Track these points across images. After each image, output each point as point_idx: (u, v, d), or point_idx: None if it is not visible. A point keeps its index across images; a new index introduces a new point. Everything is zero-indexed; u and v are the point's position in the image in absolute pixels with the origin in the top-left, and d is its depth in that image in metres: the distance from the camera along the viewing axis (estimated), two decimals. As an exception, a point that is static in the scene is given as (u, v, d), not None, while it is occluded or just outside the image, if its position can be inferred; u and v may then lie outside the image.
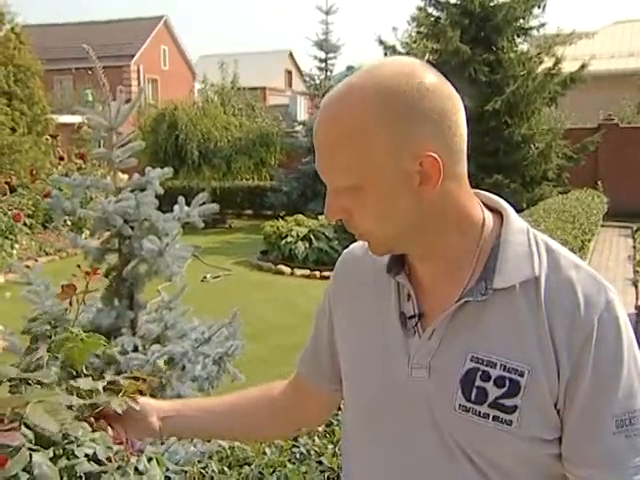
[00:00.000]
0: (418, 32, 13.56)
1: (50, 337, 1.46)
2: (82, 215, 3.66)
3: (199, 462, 1.97)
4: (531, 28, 12.40)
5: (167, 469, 1.22)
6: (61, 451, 1.15)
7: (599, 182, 13.51)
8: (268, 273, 9.68)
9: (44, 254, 10.39)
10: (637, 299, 7.30)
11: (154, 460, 1.21)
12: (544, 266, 0.93)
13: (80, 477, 1.12)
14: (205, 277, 8.70)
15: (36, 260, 9.32)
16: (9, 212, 10.01)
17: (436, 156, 0.89)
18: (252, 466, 1.92)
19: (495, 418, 0.90)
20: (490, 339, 0.92)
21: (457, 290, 0.95)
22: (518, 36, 12.46)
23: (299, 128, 16.07)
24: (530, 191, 11.65)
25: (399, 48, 13.55)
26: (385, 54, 13.29)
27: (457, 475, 0.94)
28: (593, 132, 13.62)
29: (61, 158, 13.72)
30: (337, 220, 1.00)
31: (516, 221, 0.99)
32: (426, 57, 13.21)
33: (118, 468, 1.14)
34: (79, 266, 3.51)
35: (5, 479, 1.00)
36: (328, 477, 1.89)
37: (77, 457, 1.15)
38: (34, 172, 12.48)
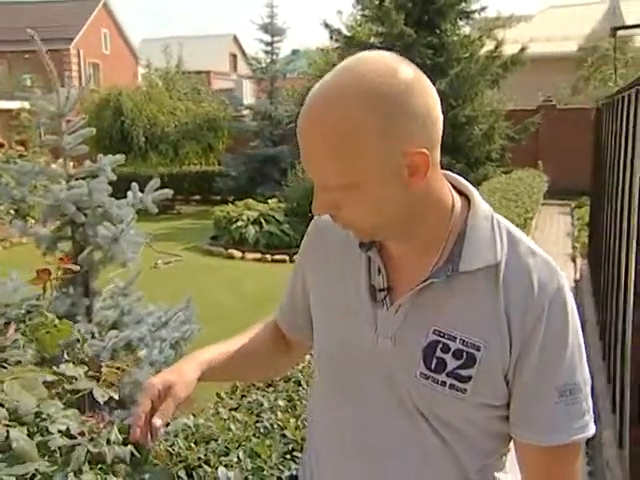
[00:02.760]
0: (363, 15, 13.63)
1: (24, 321, 1.50)
2: (32, 203, 3.62)
3: (166, 440, 2.03)
4: (473, 11, 12.59)
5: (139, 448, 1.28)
6: (35, 428, 1.21)
7: (539, 162, 13.91)
8: (219, 258, 9.68)
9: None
10: (575, 273, 7.61)
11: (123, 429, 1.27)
12: (504, 252, 1.02)
13: (54, 451, 1.18)
14: (156, 263, 8.65)
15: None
16: (-51, 202, 9.69)
17: (425, 151, 0.95)
18: (218, 441, 1.99)
19: (451, 386, 1.01)
20: (452, 316, 1.02)
21: (425, 269, 1.03)
22: (460, 19, 12.65)
23: (246, 112, 16.00)
24: (475, 171, 11.92)
25: (344, 31, 13.59)
26: (330, 37, 13.32)
27: (414, 433, 1.06)
28: (533, 113, 13.99)
29: (1, 145, 13.34)
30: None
31: (481, 206, 1.07)
32: (371, 40, 13.31)
33: (91, 440, 1.20)
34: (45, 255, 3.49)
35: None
36: (292, 448, 1.97)
37: (51, 433, 1.20)
38: (-28, 160, 12.10)
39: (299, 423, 2.09)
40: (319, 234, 1.22)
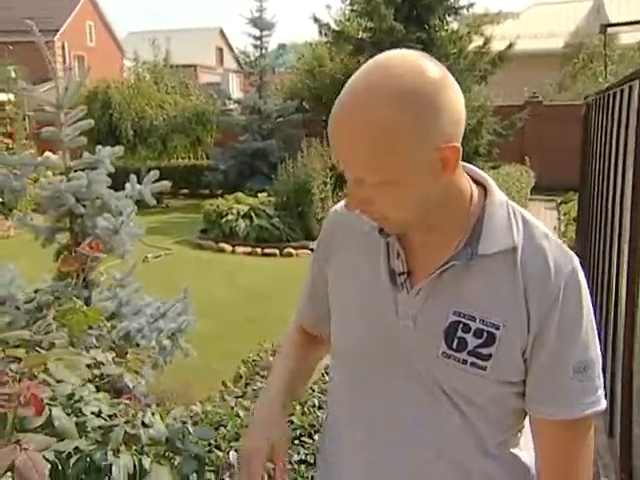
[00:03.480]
0: (352, 10, 13.66)
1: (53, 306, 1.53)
2: (32, 194, 3.63)
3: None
4: (461, 7, 12.67)
5: (167, 425, 1.32)
6: (69, 410, 1.25)
7: (526, 157, 14.04)
8: (209, 251, 9.69)
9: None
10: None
11: (157, 415, 1.32)
12: (521, 236, 1.08)
13: (90, 431, 1.22)
14: (146, 257, 8.64)
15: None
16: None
17: (457, 144, 1.01)
18: (227, 427, 2.04)
19: (472, 364, 1.06)
20: (472, 297, 1.07)
21: (445, 254, 1.08)
22: (449, 15, 12.73)
23: (234, 106, 15.96)
24: (463, 167, 12.00)
25: (333, 26, 13.61)
26: (320, 32, 13.35)
27: (437, 410, 1.11)
28: (520, 109, 14.10)
29: (-13, 137, 13.25)
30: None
31: (497, 194, 1.12)
32: (360, 35, 13.35)
33: (127, 422, 1.24)
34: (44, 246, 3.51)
35: (30, 430, 1.08)
36: (300, 434, 2.02)
37: (84, 415, 1.25)
38: (-41, 152, 11.99)
39: (305, 409, 2.15)
40: (337, 225, 1.26)
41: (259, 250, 9.43)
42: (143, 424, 1.24)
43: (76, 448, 1.13)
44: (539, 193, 13.01)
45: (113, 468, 1.11)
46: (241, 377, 2.44)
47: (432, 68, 1.00)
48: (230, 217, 10.03)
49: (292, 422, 2.08)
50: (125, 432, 1.18)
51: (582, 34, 18.87)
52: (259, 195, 10.87)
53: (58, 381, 1.20)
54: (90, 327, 2.05)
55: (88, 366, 1.29)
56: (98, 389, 1.32)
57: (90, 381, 1.29)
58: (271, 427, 1.20)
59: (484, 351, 1.06)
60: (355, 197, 1.04)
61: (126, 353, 1.43)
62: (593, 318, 1.10)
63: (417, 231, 1.11)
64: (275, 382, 1.30)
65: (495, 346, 1.05)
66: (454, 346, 1.07)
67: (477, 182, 1.14)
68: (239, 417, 2.08)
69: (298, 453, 1.92)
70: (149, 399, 3.22)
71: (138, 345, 3.82)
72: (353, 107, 0.98)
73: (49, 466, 1.05)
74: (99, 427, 1.19)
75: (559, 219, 11.29)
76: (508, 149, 13.36)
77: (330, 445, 1.27)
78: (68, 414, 1.24)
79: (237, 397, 2.24)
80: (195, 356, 3.85)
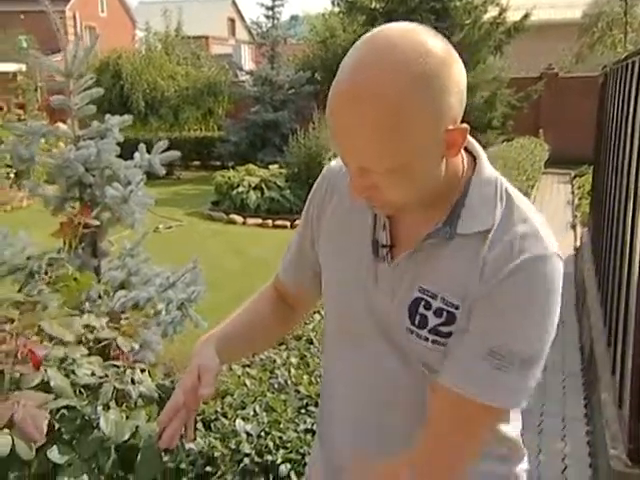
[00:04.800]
0: (365, -21, 13.46)
1: (46, 273, 1.52)
2: (39, 162, 3.62)
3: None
4: (477, -24, 12.46)
5: (158, 385, 1.32)
6: (62, 371, 1.25)
7: (540, 130, 13.88)
8: (220, 223, 9.69)
9: (-13, 208, 10.13)
10: (575, 240, 7.65)
11: (146, 372, 1.32)
12: (498, 218, 1.04)
13: (82, 390, 1.22)
14: (157, 228, 8.67)
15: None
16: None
17: (465, 125, 0.97)
18: (234, 396, 2.04)
19: (434, 341, 1.05)
20: (437, 275, 1.06)
21: (426, 229, 1.06)
22: (464, -16, 12.52)
23: (246, 77, 15.85)
24: (476, 139, 11.85)
25: (346, -4, 13.43)
26: (332, 2, 13.19)
27: (414, 378, 1.10)
28: (535, 81, 13.91)
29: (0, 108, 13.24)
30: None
31: (486, 169, 1.08)
32: (373, 5, 13.16)
33: (117, 379, 1.24)
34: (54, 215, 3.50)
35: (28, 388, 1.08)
36: (307, 403, 2.02)
37: (77, 376, 1.24)
38: (-29, 123, 12.01)
39: (312, 379, 2.14)
40: (329, 185, 1.24)
41: (270, 222, 9.41)
42: (132, 381, 1.24)
43: (69, 406, 1.13)
44: (553, 166, 12.87)
45: (101, 422, 1.11)
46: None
47: (438, 45, 0.94)
48: (241, 189, 10.01)
49: (299, 391, 2.07)
50: (115, 388, 1.18)
51: (601, 3, 18.49)
52: (270, 167, 10.83)
53: (51, 339, 1.20)
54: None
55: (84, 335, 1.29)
56: (91, 353, 1.31)
57: (83, 344, 1.28)
58: (196, 357, 1.19)
59: (444, 329, 1.04)
60: (360, 185, 1.00)
61: (120, 319, 1.43)
62: (549, 320, 1.02)
63: (408, 208, 1.09)
64: (218, 327, 1.29)
65: (455, 325, 1.04)
66: (416, 322, 1.06)
67: (468, 151, 1.10)
68: (245, 386, 2.08)
69: (304, 422, 1.92)
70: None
71: (148, 316, 3.84)
72: (357, 92, 0.92)
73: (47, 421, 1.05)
74: (89, 385, 1.19)
75: (573, 193, 11.18)
76: (522, 122, 13.21)
77: (325, 402, 1.29)
78: (62, 375, 1.23)
79: (244, 366, 2.24)
80: (205, 326, 3.86)
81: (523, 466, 1.22)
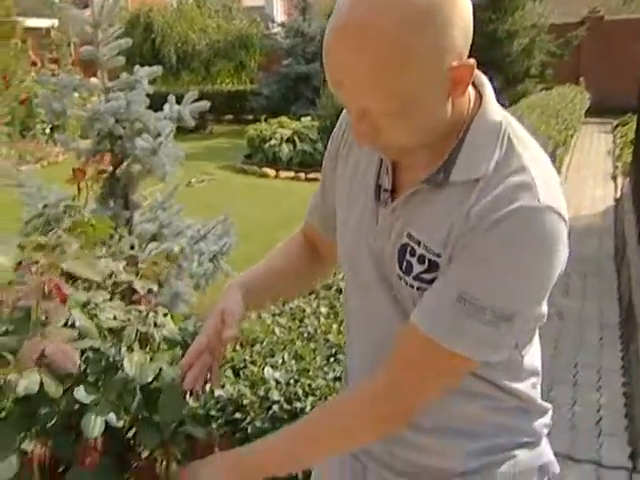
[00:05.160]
0: None
1: (62, 220, 1.52)
2: (71, 115, 3.62)
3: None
4: None
5: (181, 328, 1.31)
6: (86, 315, 1.24)
7: (581, 78, 13.44)
8: (253, 176, 9.69)
9: (25, 163, 10.27)
10: (616, 192, 7.46)
11: (169, 316, 1.31)
12: (492, 165, 0.97)
13: (108, 330, 1.22)
14: (190, 182, 8.70)
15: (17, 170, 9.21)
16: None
17: (471, 61, 0.91)
18: (263, 344, 2.03)
19: (419, 288, 1.02)
20: (424, 222, 1.02)
21: (426, 174, 1.02)
22: None
23: (278, 30, 15.62)
24: (513, 88, 11.58)
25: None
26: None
27: (403, 321, 1.06)
28: (577, 26, 13.41)
29: (34, 64, 13.29)
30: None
31: (491, 112, 1.01)
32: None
33: (139, 322, 1.23)
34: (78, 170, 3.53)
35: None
36: (336, 352, 2.01)
37: (100, 320, 1.24)
38: (6, 78, 12.11)
39: (342, 328, 2.12)
40: (345, 131, 1.21)
41: (302, 175, 9.36)
42: (155, 324, 1.23)
43: (94, 348, 1.13)
44: (594, 115, 12.50)
45: (125, 363, 1.10)
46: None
47: None
48: (273, 142, 9.96)
49: (328, 340, 2.06)
50: (137, 331, 1.18)
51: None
52: (302, 119, 10.73)
53: (74, 282, 1.20)
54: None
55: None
56: (112, 298, 1.31)
57: (104, 289, 1.28)
58: (222, 302, 1.20)
59: (427, 277, 1.01)
60: (361, 130, 0.96)
61: (137, 263, 1.42)
62: (532, 281, 0.96)
63: (411, 152, 1.04)
64: (245, 273, 1.29)
65: (438, 273, 1.00)
66: (403, 268, 1.04)
67: (475, 86, 1.03)
68: (275, 334, 2.07)
69: (333, 370, 1.91)
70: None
71: (181, 267, 3.87)
72: (356, 25, 0.86)
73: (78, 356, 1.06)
74: (112, 329, 1.19)
75: (614, 142, 10.86)
76: (562, 69, 12.80)
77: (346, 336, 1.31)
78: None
79: (273, 315, 2.23)
80: (236, 278, 3.87)
81: (544, 421, 1.18)
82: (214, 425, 1.77)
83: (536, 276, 0.95)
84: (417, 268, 1.02)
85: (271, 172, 9.67)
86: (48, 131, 11.09)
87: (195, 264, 3.92)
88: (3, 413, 1.14)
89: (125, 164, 3.57)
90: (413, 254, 1.02)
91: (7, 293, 1.02)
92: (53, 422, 1.14)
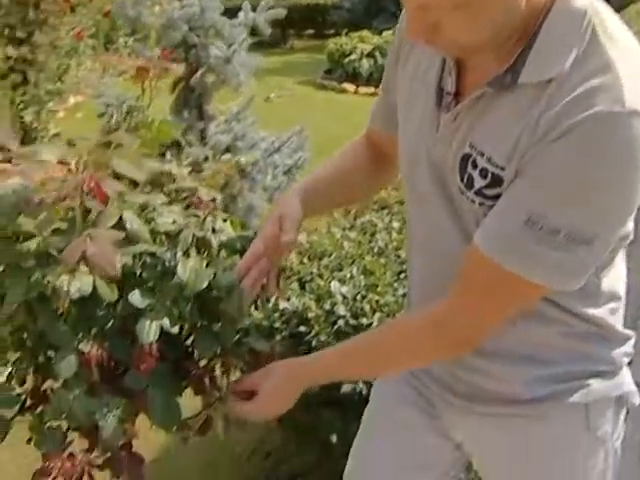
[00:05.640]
0: None
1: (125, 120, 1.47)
2: (146, 22, 3.56)
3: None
4: None
5: (240, 235, 1.25)
6: (143, 219, 1.20)
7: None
8: (332, 92, 9.49)
9: (108, 76, 10.40)
10: None
11: (228, 222, 1.25)
12: (569, 64, 0.82)
13: (165, 234, 1.17)
14: (269, 97, 8.60)
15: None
16: (71, 32, 9.89)
17: None
18: (331, 258, 1.97)
19: (481, 204, 0.92)
20: (488, 131, 0.90)
21: (491, 76, 0.89)
22: None
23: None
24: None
25: None
26: None
27: (464, 239, 0.98)
28: None
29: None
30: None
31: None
32: None
33: (196, 227, 1.18)
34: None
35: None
36: (406, 268, 1.93)
37: (158, 223, 1.19)
38: (90, -10, 12.14)
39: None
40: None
41: (382, 91, 9.10)
42: (213, 230, 1.17)
43: (150, 253, 1.08)
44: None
45: (179, 268, 1.06)
46: (350, 210, 2.35)
47: None
48: (353, 57, 9.67)
49: (399, 256, 1.99)
50: (194, 236, 1.12)
51: None
52: (384, 34, 10.32)
53: (135, 184, 1.15)
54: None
55: (162, 179, 1.23)
56: (172, 203, 1.26)
57: (165, 194, 1.22)
58: (279, 207, 1.15)
59: (489, 192, 0.90)
60: (418, 24, 0.85)
61: (202, 170, 1.35)
62: (614, 199, 0.83)
63: (478, 51, 0.90)
64: (306, 179, 1.24)
65: (502, 188, 0.89)
66: (464, 181, 0.94)
67: None
68: (344, 248, 2.01)
69: (403, 287, 1.84)
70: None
71: (255, 180, 3.84)
72: None
73: (122, 261, 1.02)
74: (169, 233, 1.13)
75: None
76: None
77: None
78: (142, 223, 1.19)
79: (343, 229, 2.16)
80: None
81: (624, 349, 1.07)
82: (278, 337, 1.75)
83: (618, 191, 0.83)
84: (479, 182, 0.91)
85: (350, 88, 9.44)
86: (130, 42, 11.15)
87: (269, 177, 3.88)
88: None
89: (199, 73, 3.51)
90: (475, 166, 0.91)
91: (47, 192, 0.97)
92: (110, 325, 1.12)
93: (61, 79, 6.07)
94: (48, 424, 1.14)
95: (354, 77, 9.59)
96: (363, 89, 9.32)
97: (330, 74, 10.16)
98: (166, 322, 1.06)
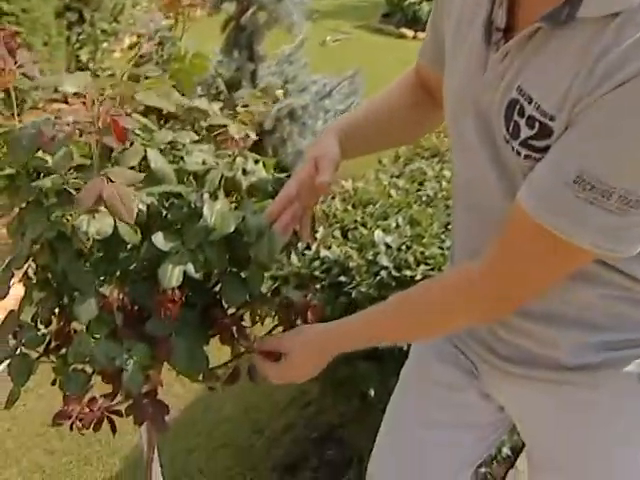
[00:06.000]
0: None
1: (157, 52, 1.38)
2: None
3: (322, 202, 1.95)
4: None
5: (274, 178, 1.16)
6: (170, 157, 1.13)
7: None
8: (390, 37, 9.19)
9: (165, 18, 10.33)
10: None
11: (261, 163, 1.17)
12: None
13: (194, 174, 1.10)
14: (324, 40, 8.39)
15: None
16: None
17: None
18: (376, 206, 1.88)
19: (526, 157, 0.82)
20: (539, 73, 0.80)
21: (546, 9, 0.77)
22: None
23: None
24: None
25: None
26: None
27: (503, 185, 0.89)
28: None
29: None
30: None
31: None
32: None
33: (225, 167, 1.10)
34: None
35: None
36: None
37: (186, 163, 1.12)
38: None
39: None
40: None
41: (443, 37, 8.78)
42: (244, 172, 1.09)
43: (176, 194, 1.02)
44: None
45: (205, 210, 0.99)
46: (399, 157, 2.24)
47: None
48: (413, 0, 9.34)
49: (448, 206, 1.88)
50: (222, 176, 1.04)
51: None
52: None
53: (165, 120, 1.08)
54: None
55: (192, 115, 1.15)
56: (202, 141, 1.18)
57: (196, 132, 1.15)
58: (316, 148, 1.05)
59: (537, 144, 0.80)
60: None
61: (236, 106, 1.26)
62: None
63: None
64: (345, 116, 1.15)
65: (551, 140, 0.78)
66: (510, 130, 0.84)
67: None
68: (390, 196, 1.91)
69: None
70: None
71: (305, 124, 3.74)
72: None
73: (147, 201, 0.97)
74: (196, 172, 1.06)
75: None
76: None
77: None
78: (169, 162, 1.12)
79: (392, 176, 2.06)
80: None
81: None
82: (317, 286, 1.68)
83: None
84: (525, 132, 0.81)
85: (409, 33, 9.11)
86: (186, -15, 11.01)
87: (320, 122, 3.78)
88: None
89: (250, 11, 3.40)
90: (522, 114, 0.81)
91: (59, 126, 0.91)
92: (133, 268, 1.07)
93: (117, 19, 6.01)
94: (72, 366, 1.11)
95: (413, 21, 9.25)
96: (422, 35, 8.98)
97: (388, 18, 9.84)
98: (191, 267, 1.00)
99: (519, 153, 0.82)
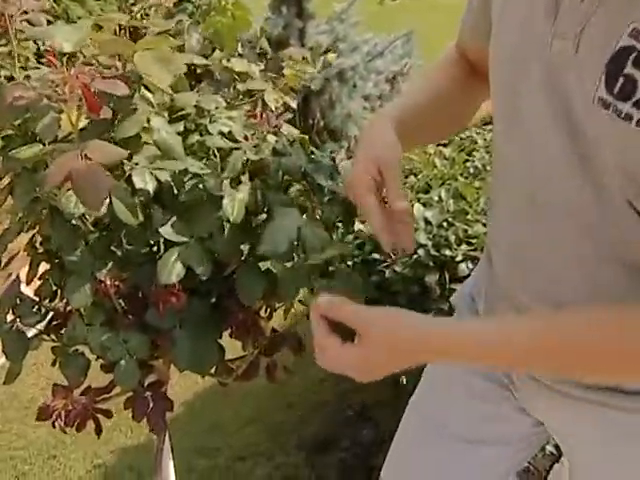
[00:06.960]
0: None
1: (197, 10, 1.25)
2: None
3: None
4: None
5: (315, 161, 1.02)
6: (193, 126, 1.01)
7: None
8: (453, -3, 8.85)
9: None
10: None
11: (298, 143, 1.03)
12: None
13: (211, 151, 0.98)
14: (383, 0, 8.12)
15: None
16: None
17: None
18: (419, 177, 1.73)
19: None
20: None
21: None
22: None
23: None
24: None
25: None
26: None
27: (593, 194, 0.67)
28: None
29: None
30: None
31: None
32: None
33: (255, 146, 0.97)
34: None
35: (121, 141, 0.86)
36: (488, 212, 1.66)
37: (210, 134, 1.00)
38: None
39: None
40: None
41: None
42: (274, 151, 0.95)
43: (185, 170, 0.89)
44: None
45: (225, 200, 0.86)
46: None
47: None
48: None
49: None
50: (247, 159, 0.91)
51: None
52: None
53: (198, 80, 0.96)
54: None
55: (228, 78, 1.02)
56: (234, 107, 1.05)
57: (226, 100, 1.02)
58: (374, 146, 0.83)
59: None
60: None
61: (281, 68, 1.12)
62: None
63: None
64: (396, 102, 0.97)
65: None
66: (616, 89, 0.61)
67: None
68: (435, 167, 1.76)
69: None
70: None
71: (355, 86, 3.58)
72: None
73: (150, 184, 0.86)
74: (219, 149, 0.93)
75: None
76: None
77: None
78: (191, 131, 1.00)
79: (438, 144, 1.90)
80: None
81: None
82: (349, 263, 1.55)
83: None
84: None
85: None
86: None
87: (370, 84, 3.61)
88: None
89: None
90: (638, 64, 0.60)
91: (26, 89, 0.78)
92: (135, 253, 0.97)
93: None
94: (73, 348, 1.03)
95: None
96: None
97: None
98: (195, 260, 0.88)
99: (631, 118, 0.61)
